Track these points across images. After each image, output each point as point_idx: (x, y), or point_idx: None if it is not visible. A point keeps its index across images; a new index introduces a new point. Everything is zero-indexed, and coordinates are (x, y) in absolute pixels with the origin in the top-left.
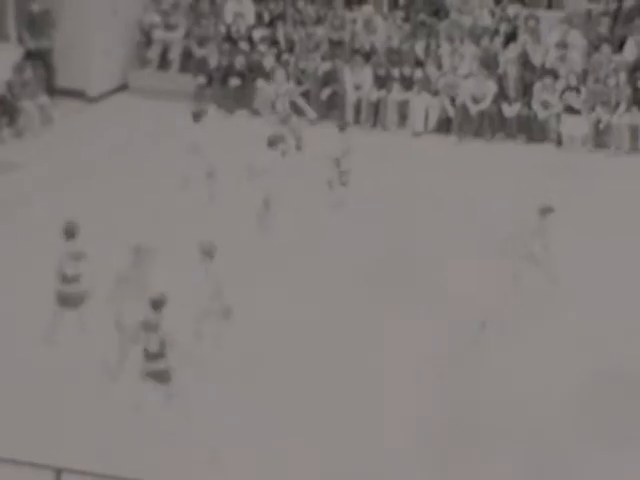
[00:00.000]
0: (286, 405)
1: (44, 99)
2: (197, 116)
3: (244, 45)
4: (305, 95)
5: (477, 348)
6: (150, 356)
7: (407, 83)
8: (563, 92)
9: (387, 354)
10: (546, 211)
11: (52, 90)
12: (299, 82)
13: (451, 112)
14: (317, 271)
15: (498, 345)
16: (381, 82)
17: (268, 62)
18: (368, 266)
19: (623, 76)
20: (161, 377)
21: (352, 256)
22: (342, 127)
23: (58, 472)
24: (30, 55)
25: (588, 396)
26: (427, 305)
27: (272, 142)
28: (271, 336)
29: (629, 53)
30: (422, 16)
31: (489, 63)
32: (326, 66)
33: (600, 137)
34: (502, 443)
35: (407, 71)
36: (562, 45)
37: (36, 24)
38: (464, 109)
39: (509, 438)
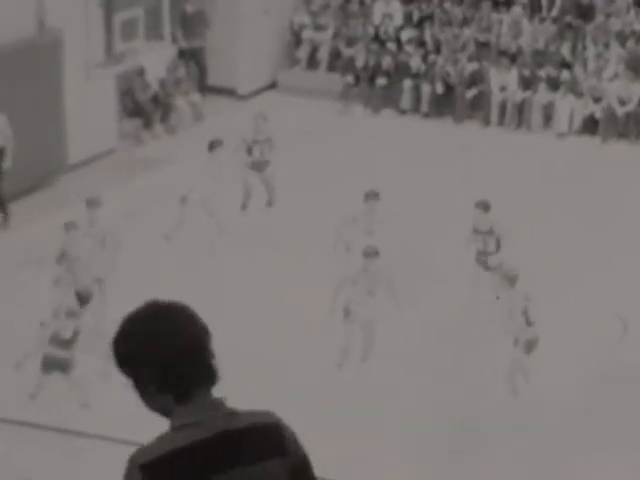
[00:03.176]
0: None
1: (196, 97)
2: (211, 146)
3: (391, 45)
4: (448, 95)
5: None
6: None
7: (552, 84)
8: None
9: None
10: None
11: (204, 88)
12: (445, 82)
13: (597, 113)
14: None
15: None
16: (526, 83)
17: (415, 62)
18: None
19: None
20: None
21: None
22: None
23: None
24: (183, 54)
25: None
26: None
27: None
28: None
29: None
30: (569, 18)
31: (635, 65)
32: (472, 67)
33: None
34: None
35: (553, 72)
36: None
37: (189, 24)
38: (610, 111)
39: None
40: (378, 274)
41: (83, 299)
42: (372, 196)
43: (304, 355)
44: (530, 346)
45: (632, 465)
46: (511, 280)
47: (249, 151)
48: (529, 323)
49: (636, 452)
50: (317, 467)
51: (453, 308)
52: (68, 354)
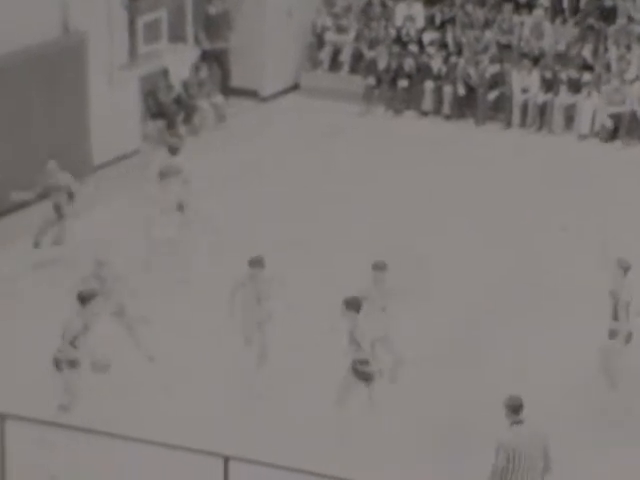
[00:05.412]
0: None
1: (218, 98)
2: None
3: (413, 47)
4: (470, 97)
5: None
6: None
7: (574, 86)
8: None
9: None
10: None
11: (227, 90)
12: (467, 84)
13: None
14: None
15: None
16: (548, 85)
17: (436, 64)
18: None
19: None
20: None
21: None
22: None
23: (226, 460)
24: (206, 56)
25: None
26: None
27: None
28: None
29: None
30: (591, 20)
31: None
32: (494, 69)
33: None
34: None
35: (574, 74)
36: None
37: (213, 26)
38: (632, 114)
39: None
40: (388, 289)
41: (84, 299)
42: (256, 264)
43: (307, 355)
44: (629, 338)
45: (633, 466)
46: (626, 269)
47: None
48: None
49: (637, 453)
50: (318, 466)
51: (454, 309)
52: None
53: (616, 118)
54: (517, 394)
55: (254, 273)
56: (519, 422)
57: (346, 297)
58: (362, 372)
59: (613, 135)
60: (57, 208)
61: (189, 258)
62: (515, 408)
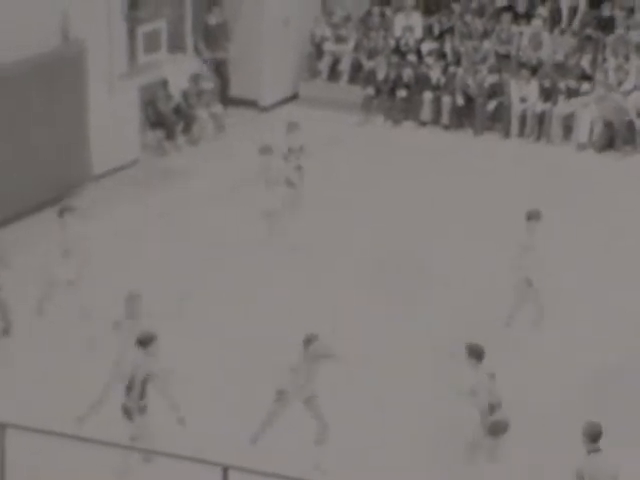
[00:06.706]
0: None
1: (218, 108)
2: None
3: (412, 58)
4: (468, 107)
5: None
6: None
7: (572, 96)
8: None
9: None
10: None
11: (226, 100)
12: (465, 94)
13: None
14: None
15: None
16: (547, 95)
17: (435, 74)
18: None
19: None
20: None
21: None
22: None
23: (225, 469)
24: (205, 65)
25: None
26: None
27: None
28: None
29: None
30: (589, 30)
31: None
32: (492, 78)
33: None
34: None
35: (573, 84)
36: None
37: (212, 36)
38: (629, 123)
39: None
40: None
41: (145, 343)
42: (311, 339)
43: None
44: None
45: (633, 466)
46: None
47: None
48: None
49: (637, 453)
50: (317, 474)
51: (454, 312)
52: None
53: (610, 127)
54: (596, 421)
55: (309, 353)
56: (597, 450)
57: (469, 343)
58: (491, 424)
59: (608, 144)
60: None
61: None
62: (594, 436)
